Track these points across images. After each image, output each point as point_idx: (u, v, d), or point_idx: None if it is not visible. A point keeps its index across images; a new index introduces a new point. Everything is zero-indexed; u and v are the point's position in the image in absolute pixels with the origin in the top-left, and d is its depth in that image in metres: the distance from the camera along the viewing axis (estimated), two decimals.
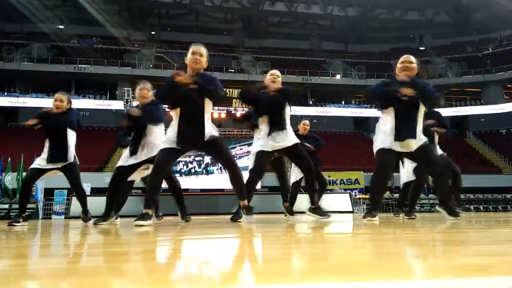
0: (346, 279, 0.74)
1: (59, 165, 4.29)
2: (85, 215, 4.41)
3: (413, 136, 3.39)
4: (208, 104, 3.21)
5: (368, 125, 27.99)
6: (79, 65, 25.34)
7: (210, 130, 3.23)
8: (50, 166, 4.26)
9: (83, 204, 4.47)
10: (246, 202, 3.38)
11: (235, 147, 13.84)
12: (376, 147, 3.54)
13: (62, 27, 30.47)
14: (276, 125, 3.78)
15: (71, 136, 4.35)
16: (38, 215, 10.78)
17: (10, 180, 11.26)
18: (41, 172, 4.28)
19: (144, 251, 1.47)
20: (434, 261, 1.00)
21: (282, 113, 3.85)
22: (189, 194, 10.00)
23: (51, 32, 28.76)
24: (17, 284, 0.80)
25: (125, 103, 16.38)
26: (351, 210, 10.37)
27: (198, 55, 3.22)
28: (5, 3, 25.14)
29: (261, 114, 3.89)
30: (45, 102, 24.40)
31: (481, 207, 13.43)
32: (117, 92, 26.42)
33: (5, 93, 25.40)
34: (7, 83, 25.85)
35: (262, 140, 3.81)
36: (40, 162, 4.28)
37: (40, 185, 11.87)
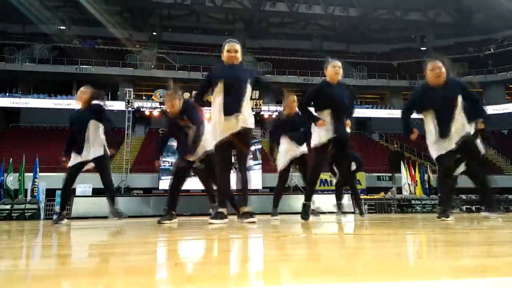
0: (346, 280, 0.73)
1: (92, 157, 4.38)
2: (115, 211, 4.32)
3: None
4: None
5: (370, 125, 27.98)
6: (81, 66, 25.42)
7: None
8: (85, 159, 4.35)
9: (112, 200, 4.44)
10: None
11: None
12: (434, 154, 3.77)
13: (63, 28, 30.58)
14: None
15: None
16: (40, 215, 10.80)
17: (12, 180, 11.29)
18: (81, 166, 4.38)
19: (147, 252, 1.47)
20: (435, 262, 1.00)
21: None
22: (190, 195, 9.99)
23: (52, 33, 28.87)
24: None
25: (126, 104, 16.37)
26: (352, 210, 10.33)
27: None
28: (7, 4, 25.23)
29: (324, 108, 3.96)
30: (47, 103, 24.50)
31: (483, 207, 13.38)
32: (118, 92, 26.48)
33: (7, 94, 25.51)
34: (9, 83, 25.96)
35: (321, 133, 3.85)
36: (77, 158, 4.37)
37: (42, 185, 11.88)
